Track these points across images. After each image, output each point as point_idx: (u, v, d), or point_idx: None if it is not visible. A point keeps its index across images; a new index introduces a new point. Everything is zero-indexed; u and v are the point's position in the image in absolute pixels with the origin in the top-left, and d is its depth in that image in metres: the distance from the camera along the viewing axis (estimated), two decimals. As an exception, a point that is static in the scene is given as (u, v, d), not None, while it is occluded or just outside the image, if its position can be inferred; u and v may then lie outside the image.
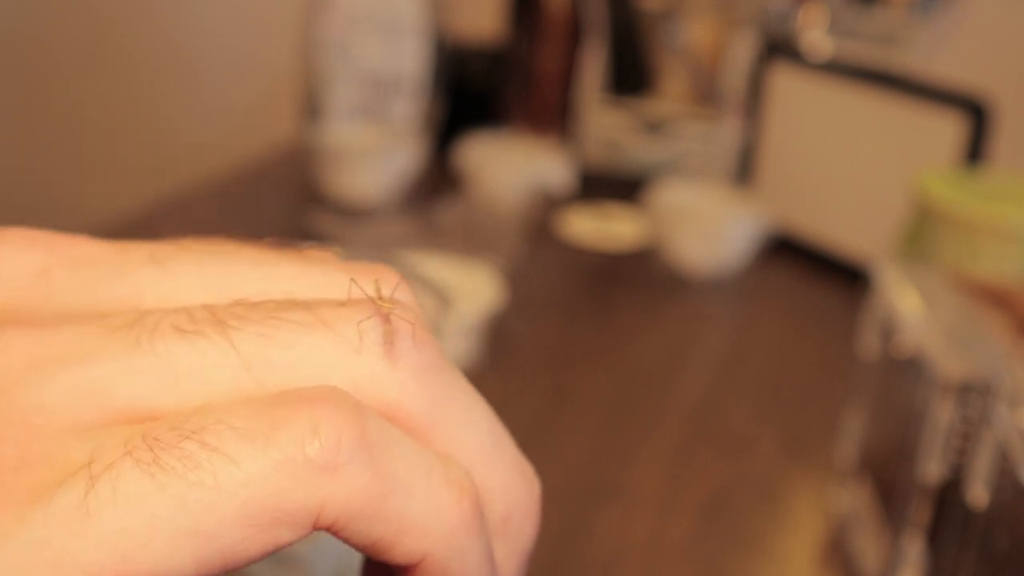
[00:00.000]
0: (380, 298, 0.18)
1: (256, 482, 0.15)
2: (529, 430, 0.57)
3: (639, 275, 0.81)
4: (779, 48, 0.88)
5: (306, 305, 0.17)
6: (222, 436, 0.15)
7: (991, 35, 0.93)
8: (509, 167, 0.90)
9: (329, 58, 0.95)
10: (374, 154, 0.89)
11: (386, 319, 0.18)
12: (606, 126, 0.98)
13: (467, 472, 0.17)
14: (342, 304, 0.18)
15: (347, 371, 0.17)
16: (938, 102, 0.76)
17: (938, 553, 0.41)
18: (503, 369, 0.63)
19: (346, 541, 0.16)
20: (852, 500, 0.49)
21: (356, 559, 0.39)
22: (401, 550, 0.16)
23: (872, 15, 0.92)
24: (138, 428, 0.15)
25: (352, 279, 0.18)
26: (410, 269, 0.46)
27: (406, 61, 0.97)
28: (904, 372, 0.44)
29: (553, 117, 1.02)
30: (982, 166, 0.74)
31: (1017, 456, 0.34)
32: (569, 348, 0.69)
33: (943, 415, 0.39)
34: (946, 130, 0.75)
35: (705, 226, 0.80)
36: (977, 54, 0.93)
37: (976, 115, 0.73)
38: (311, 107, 0.97)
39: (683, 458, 0.56)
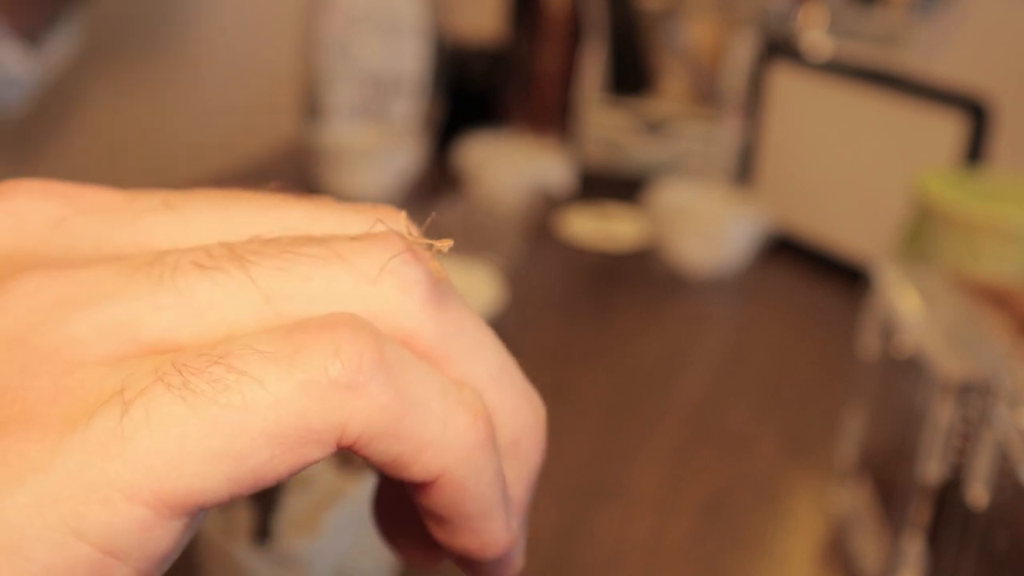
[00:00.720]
0: (409, 234, 0.19)
1: (283, 402, 0.15)
2: (529, 430, 0.57)
3: (639, 275, 0.81)
4: (779, 48, 0.88)
5: (321, 240, 0.18)
6: (248, 360, 0.15)
7: (991, 35, 0.93)
8: (509, 167, 0.90)
9: (329, 58, 0.95)
10: (374, 154, 0.89)
11: (409, 252, 0.18)
12: (606, 126, 0.98)
13: (479, 396, 0.18)
14: (354, 239, 0.18)
15: (363, 302, 0.17)
16: (938, 102, 0.76)
17: (938, 553, 0.41)
18: (503, 369, 0.63)
19: (367, 460, 0.17)
20: (852, 500, 0.49)
21: (356, 559, 0.39)
22: (419, 467, 0.17)
23: (872, 15, 0.92)
24: (167, 356, 0.16)
25: (379, 219, 0.19)
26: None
27: (406, 61, 0.97)
28: (904, 372, 0.44)
29: (553, 117, 1.02)
30: (982, 166, 0.74)
31: (1017, 456, 0.34)
32: (569, 348, 0.69)
33: (943, 415, 0.39)
34: (946, 130, 0.75)
35: (705, 226, 0.80)
36: (977, 54, 0.93)
37: (976, 115, 0.73)
38: (311, 107, 0.97)
39: (683, 458, 0.56)
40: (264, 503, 0.37)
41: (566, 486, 0.52)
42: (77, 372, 0.16)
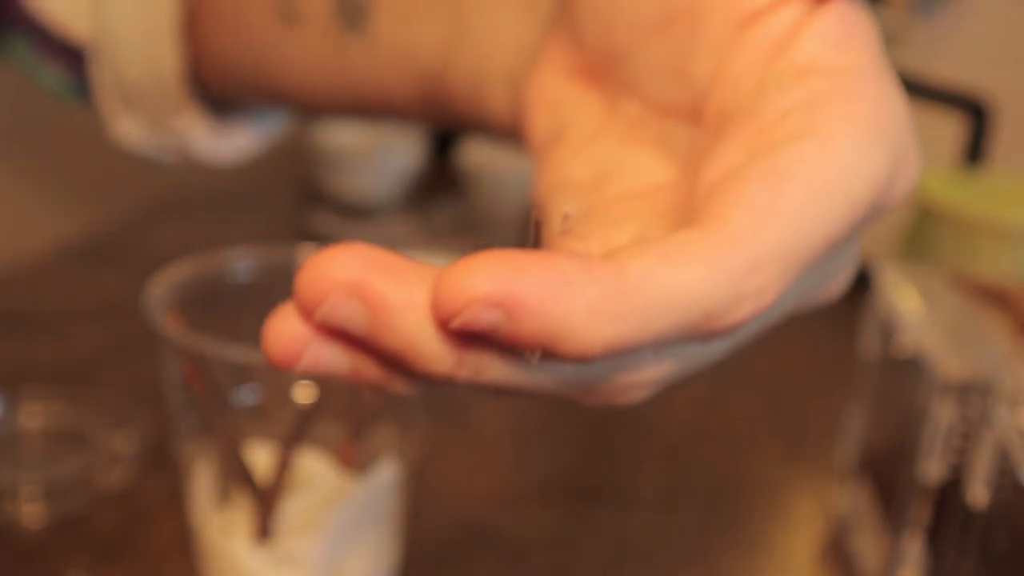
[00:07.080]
0: None
1: None
2: (529, 430, 0.57)
3: (639, 275, 0.81)
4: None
5: None
6: None
7: (991, 35, 0.93)
8: (509, 167, 0.90)
9: (329, 58, 0.95)
10: (374, 154, 0.89)
11: None
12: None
13: None
14: None
15: None
16: (938, 102, 0.76)
17: (938, 553, 0.41)
18: (503, 369, 0.63)
19: None
20: (852, 500, 0.49)
21: (356, 559, 0.39)
22: None
23: (872, 15, 0.92)
24: None
25: None
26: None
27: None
28: (904, 372, 0.44)
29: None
30: (982, 166, 0.74)
31: (1017, 456, 0.34)
32: (569, 348, 0.68)
33: (943, 415, 0.39)
34: (946, 130, 0.75)
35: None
36: (977, 54, 0.93)
37: (976, 115, 0.73)
38: (311, 107, 0.97)
39: (683, 458, 0.56)
40: (264, 503, 0.37)
41: (566, 486, 0.52)
42: None
